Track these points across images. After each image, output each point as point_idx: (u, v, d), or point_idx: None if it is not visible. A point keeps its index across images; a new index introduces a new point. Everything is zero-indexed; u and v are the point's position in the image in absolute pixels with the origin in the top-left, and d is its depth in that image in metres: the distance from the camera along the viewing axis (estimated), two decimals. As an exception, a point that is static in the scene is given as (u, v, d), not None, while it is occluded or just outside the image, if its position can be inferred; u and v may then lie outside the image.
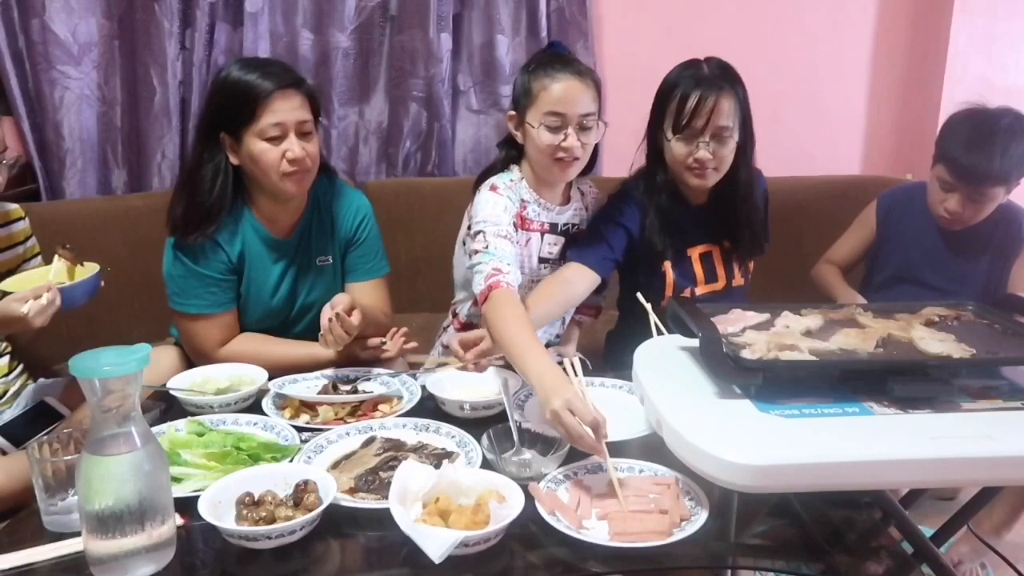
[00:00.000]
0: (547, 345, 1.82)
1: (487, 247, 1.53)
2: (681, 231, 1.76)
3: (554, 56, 1.61)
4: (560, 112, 1.54)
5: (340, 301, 1.51)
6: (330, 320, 1.47)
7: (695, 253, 1.79)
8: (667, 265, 1.74)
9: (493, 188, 1.63)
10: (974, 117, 1.81)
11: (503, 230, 1.56)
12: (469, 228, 1.62)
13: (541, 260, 1.70)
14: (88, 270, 1.48)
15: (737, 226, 1.77)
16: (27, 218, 1.71)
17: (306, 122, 1.56)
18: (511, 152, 1.70)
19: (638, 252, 1.73)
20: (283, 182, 1.57)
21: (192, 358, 1.64)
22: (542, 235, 1.69)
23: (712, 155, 1.63)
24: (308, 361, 1.58)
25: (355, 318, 1.50)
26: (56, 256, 1.47)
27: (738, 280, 1.83)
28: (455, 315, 1.84)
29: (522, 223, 1.65)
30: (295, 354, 1.61)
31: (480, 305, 1.48)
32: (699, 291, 1.78)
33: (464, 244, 1.70)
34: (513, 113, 1.63)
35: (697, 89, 1.61)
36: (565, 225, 1.72)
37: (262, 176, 1.57)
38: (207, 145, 1.58)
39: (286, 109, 1.54)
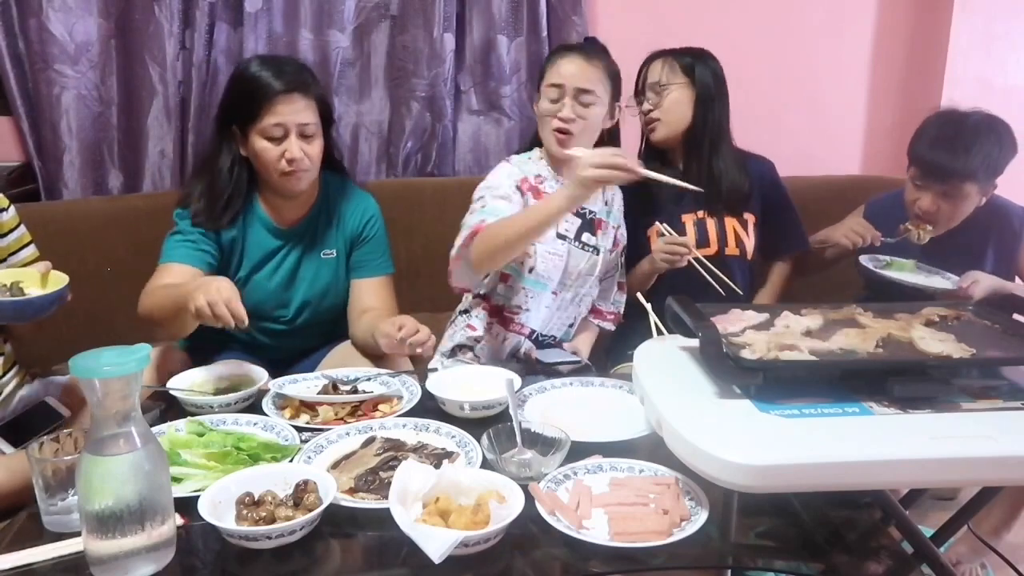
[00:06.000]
0: (561, 340, 1.88)
1: (483, 207, 1.68)
2: (672, 198, 1.92)
3: (577, 43, 1.85)
4: (558, 84, 1.69)
5: (406, 323, 1.51)
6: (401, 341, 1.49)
7: (689, 219, 1.94)
8: (652, 232, 1.88)
9: (507, 160, 1.82)
10: (943, 116, 1.85)
11: (502, 192, 1.70)
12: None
13: (559, 236, 1.78)
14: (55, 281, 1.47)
15: (722, 187, 1.92)
16: (12, 207, 1.63)
17: (308, 125, 1.61)
18: (535, 137, 1.85)
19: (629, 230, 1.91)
20: (281, 180, 1.63)
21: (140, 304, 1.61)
22: None
23: (654, 106, 1.91)
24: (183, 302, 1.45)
25: (422, 334, 1.51)
26: None
27: (732, 249, 1.94)
28: (485, 298, 1.86)
29: (537, 193, 1.76)
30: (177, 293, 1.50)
31: (465, 248, 1.63)
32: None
33: None
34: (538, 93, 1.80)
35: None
36: (583, 210, 1.81)
37: (263, 171, 1.64)
38: (224, 135, 1.65)
39: (289, 111, 1.59)
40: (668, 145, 1.96)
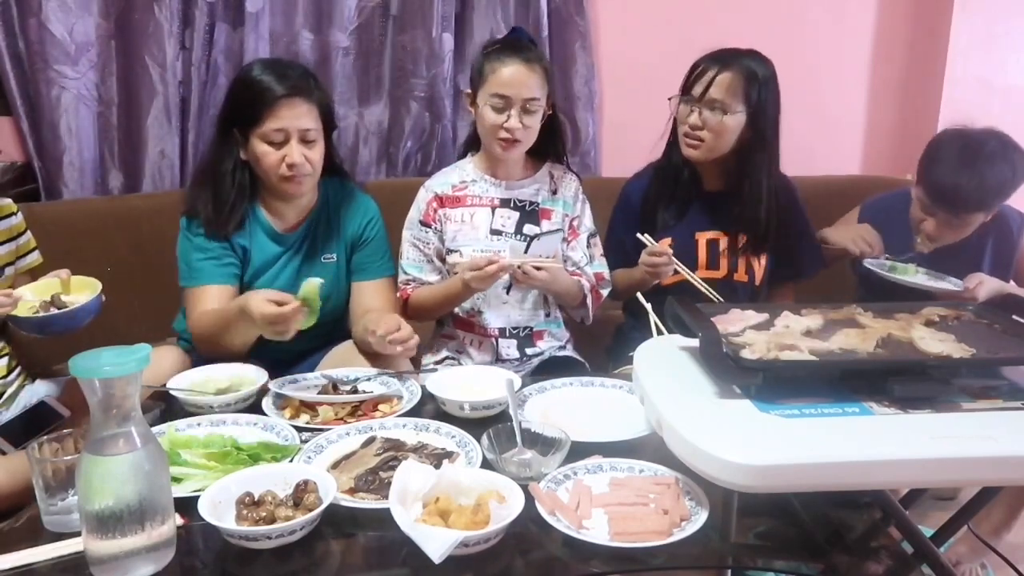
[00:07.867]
0: (540, 331, 1.88)
1: (405, 257, 1.83)
2: (693, 213, 1.86)
3: (511, 42, 1.74)
4: (504, 95, 1.67)
5: (388, 320, 1.52)
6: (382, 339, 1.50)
7: (703, 238, 1.87)
8: (665, 244, 1.79)
9: (423, 186, 1.85)
10: (959, 140, 1.79)
11: (413, 235, 1.83)
12: None
13: (493, 231, 1.80)
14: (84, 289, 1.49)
15: (747, 217, 1.83)
16: (19, 213, 1.68)
17: (309, 130, 1.61)
18: (474, 138, 1.84)
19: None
20: (281, 184, 1.63)
21: (191, 332, 1.65)
22: (492, 209, 1.80)
23: (703, 124, 1.75)
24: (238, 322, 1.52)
25: (404, 332, 1.51)
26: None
27: (740, 275, 1.88)
28: None
29: (456, 201, 1.81)
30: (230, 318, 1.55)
31: (403, 304, 1.81)
32: (698, 275, 1.83)
33: None
34: (469, 92, 1.77)
35: (707, 60, 1.77)
36: (522, 202, 1.81)
37: (263, 176, 1.64)
38: (226, 139, 1.64)
39: (290, 116, 1.58)
40: (699, 161, 1.84)
